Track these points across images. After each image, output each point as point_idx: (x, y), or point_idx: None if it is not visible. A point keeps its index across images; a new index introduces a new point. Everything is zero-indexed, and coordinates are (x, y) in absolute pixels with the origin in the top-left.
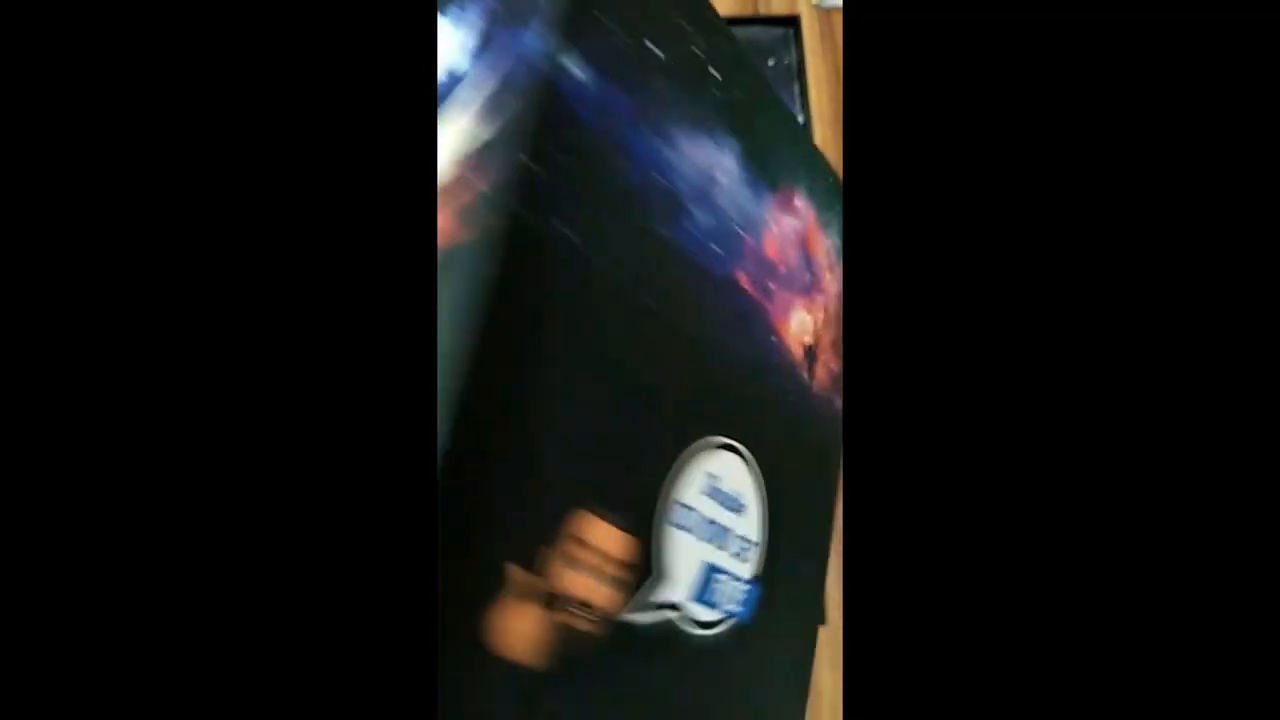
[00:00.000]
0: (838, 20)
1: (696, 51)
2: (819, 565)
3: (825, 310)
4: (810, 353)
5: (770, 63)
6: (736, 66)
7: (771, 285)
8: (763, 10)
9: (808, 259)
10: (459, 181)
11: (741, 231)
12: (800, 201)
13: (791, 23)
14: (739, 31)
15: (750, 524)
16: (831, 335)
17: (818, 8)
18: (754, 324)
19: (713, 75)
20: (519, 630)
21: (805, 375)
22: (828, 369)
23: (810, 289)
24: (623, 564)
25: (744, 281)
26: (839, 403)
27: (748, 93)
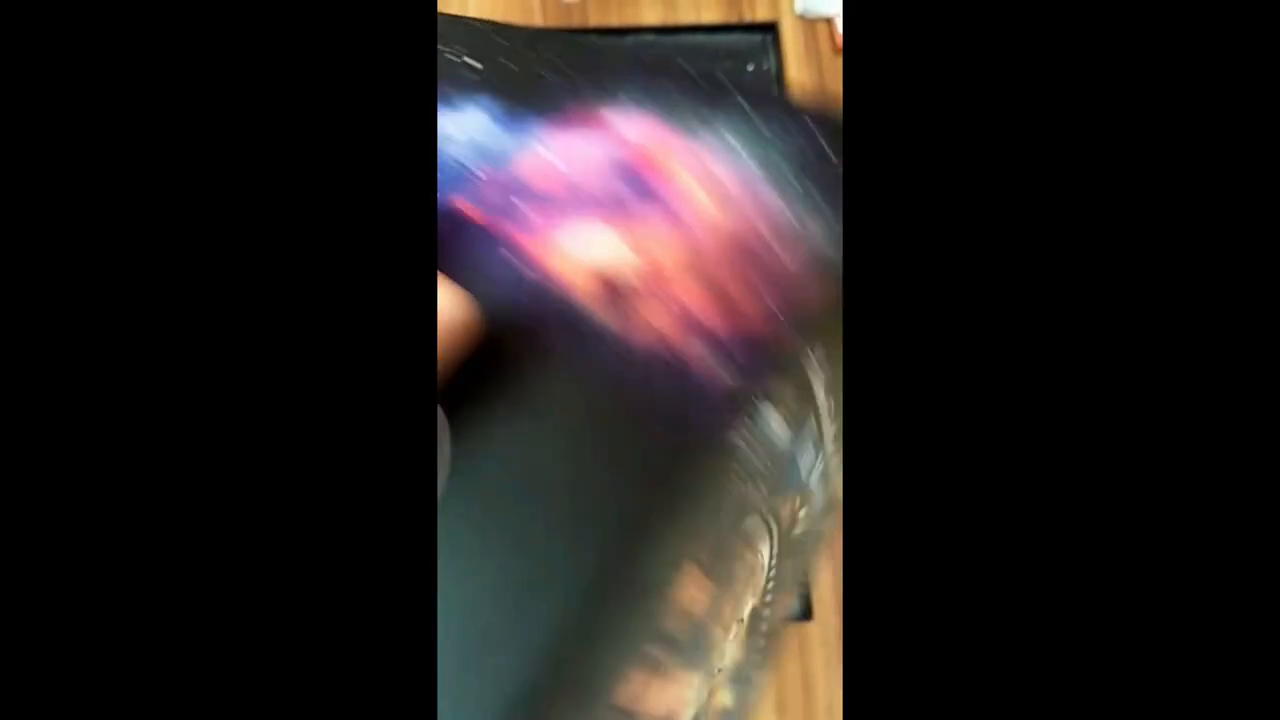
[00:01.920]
0: (822, 30)
1: (451, 57)
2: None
3: (683, 241)
4: (616, 285)
5: (749, 68)
6: (498, 49)
7: (517, 201)
8: (747, 17)
9: (637, 179)
10: None
11: (473, 168)
12: (623, 119)
13: (770, 29)
14: (719, 39)
15: None
16: (697, 269)
17: (802, 17)
18: (472, 241)
19: (469, 65)
20: None
21: (602, 311)
22: (671, 308)
23: (624, 208)
24: None
25: (467, 209)
26: (698, 350)
27: (526, 58)
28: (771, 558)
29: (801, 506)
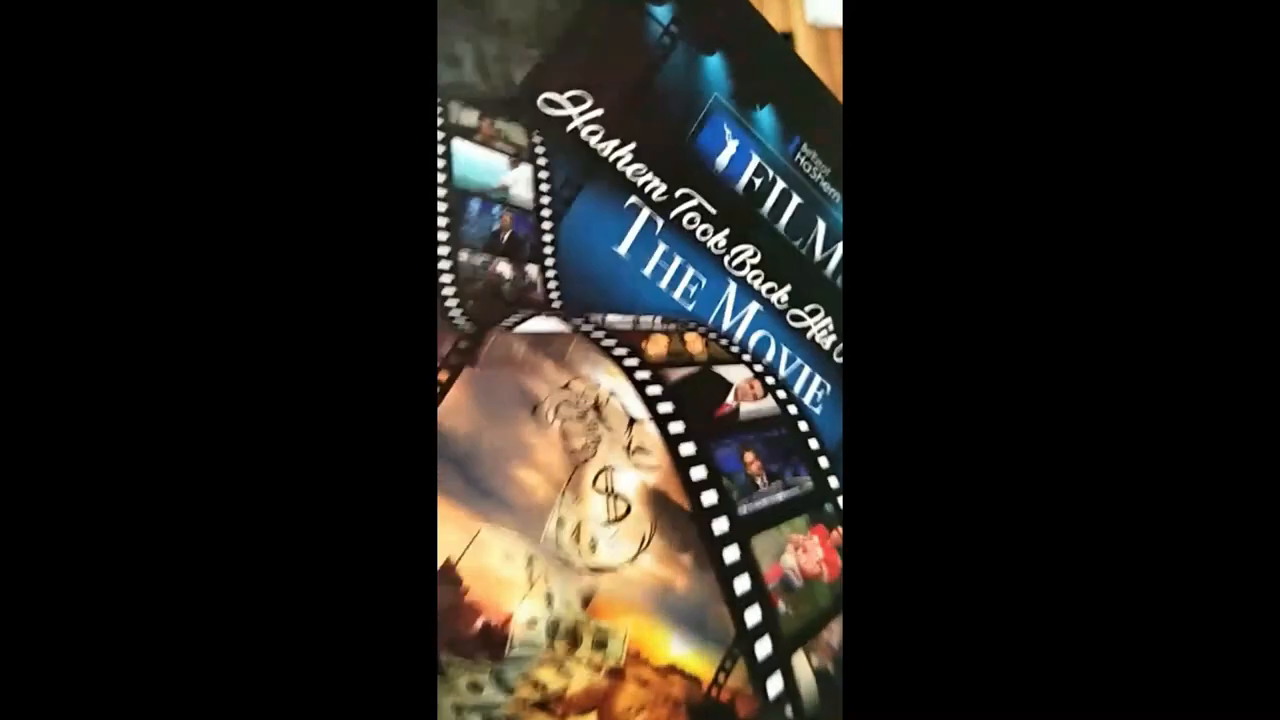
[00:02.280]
0: (834, 39)
1: None
2: None
3: None
4: None
5: None
6: None
7: None
8: None
9: None
10: None
11: None
12: None
13: (785, 39)
14: None
15: None
16: None
17: (814, 26)
18: None
19: None
20: None
21: None
22: None
23: None
24: None
25: None
26: None
27: None
28: (612, 400)
29: (680, 346)
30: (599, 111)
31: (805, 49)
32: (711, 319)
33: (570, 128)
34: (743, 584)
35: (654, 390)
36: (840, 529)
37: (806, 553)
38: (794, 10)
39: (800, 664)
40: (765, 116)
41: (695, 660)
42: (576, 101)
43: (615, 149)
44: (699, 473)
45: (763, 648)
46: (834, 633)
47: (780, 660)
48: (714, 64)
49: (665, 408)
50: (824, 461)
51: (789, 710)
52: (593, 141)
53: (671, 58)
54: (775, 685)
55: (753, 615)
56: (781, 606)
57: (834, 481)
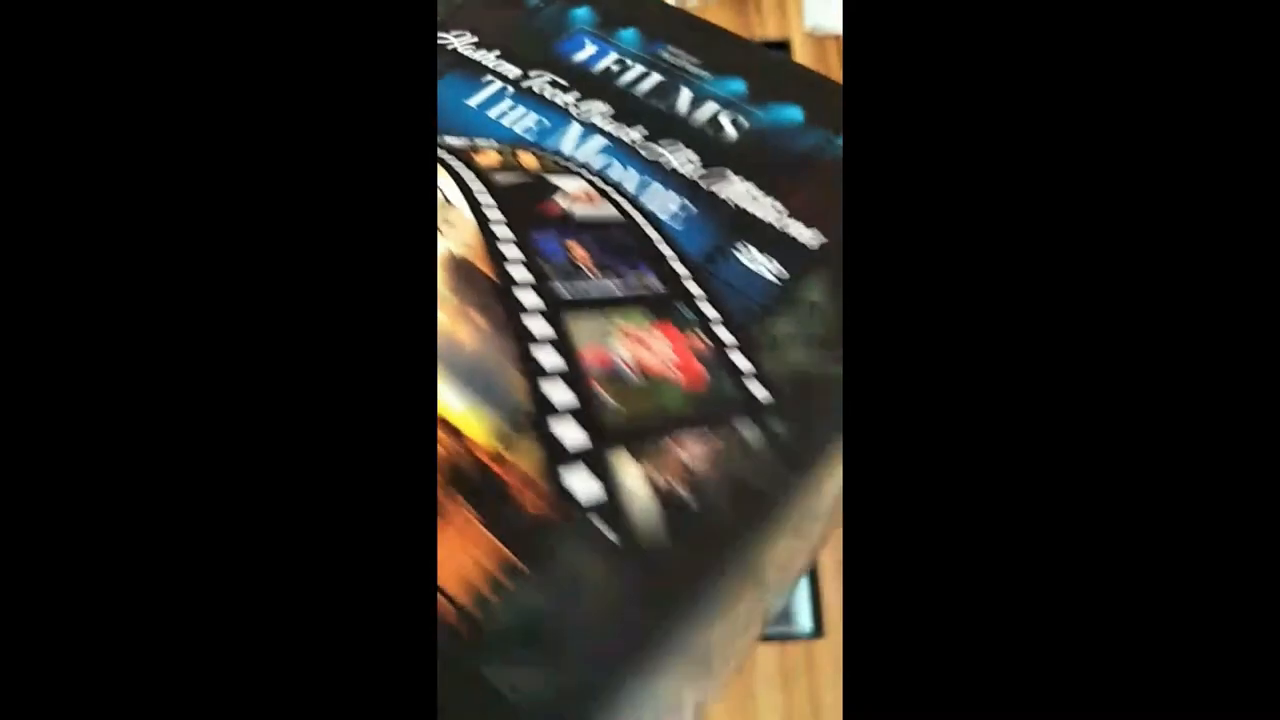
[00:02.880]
0: (831, 46)
1: None
2: None
3: None
4: None
5: None
6: None
7: None
8: (757, 35)
9: None
10: None
11: None
12: None
13: (782, 48)
14: None
15: None
16: None
17: (812, 33)
18: None
19: None
20: None
21: None
22: None
23: None
24: None
25: None
26: None
27: None
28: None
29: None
30: (475, 38)
31: (801, 56)
32: (551, 145)
33: (449, 47)
34: (548, 357)
35: (477, 187)
36: (700, 335)
37: (649, 348)
38: (791, 17)
39: (628, 470)
40: (629, 33)
41: (472, 421)
42: (459, 36)
43: (482, 54)
44: (510, 250)
45: (572, 435)
46: (693, 455)
47: (595, 458)
48: (581, 10)
49: (485, 199)
50: (680, 269)
51: (613, 534)
52: (463, 50)
53: (544, 12)
54: (589, 489)
55: (559, 394)
56: (606, 398)
57: (694, 288)
